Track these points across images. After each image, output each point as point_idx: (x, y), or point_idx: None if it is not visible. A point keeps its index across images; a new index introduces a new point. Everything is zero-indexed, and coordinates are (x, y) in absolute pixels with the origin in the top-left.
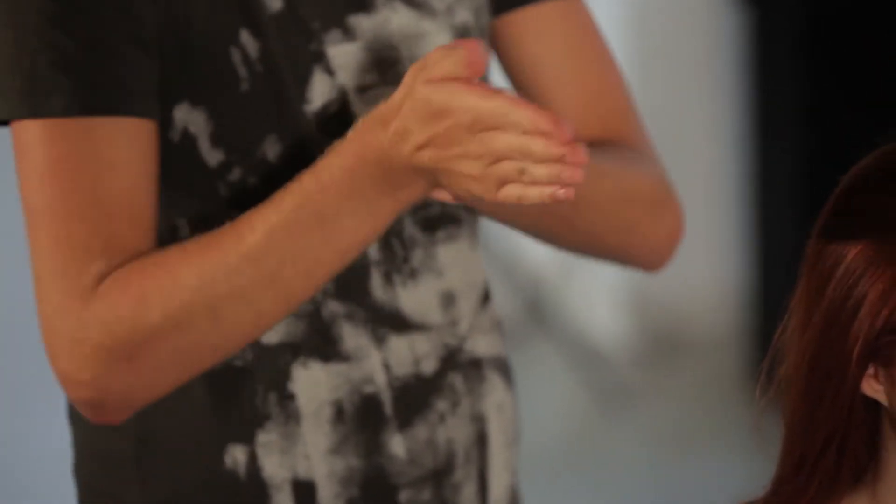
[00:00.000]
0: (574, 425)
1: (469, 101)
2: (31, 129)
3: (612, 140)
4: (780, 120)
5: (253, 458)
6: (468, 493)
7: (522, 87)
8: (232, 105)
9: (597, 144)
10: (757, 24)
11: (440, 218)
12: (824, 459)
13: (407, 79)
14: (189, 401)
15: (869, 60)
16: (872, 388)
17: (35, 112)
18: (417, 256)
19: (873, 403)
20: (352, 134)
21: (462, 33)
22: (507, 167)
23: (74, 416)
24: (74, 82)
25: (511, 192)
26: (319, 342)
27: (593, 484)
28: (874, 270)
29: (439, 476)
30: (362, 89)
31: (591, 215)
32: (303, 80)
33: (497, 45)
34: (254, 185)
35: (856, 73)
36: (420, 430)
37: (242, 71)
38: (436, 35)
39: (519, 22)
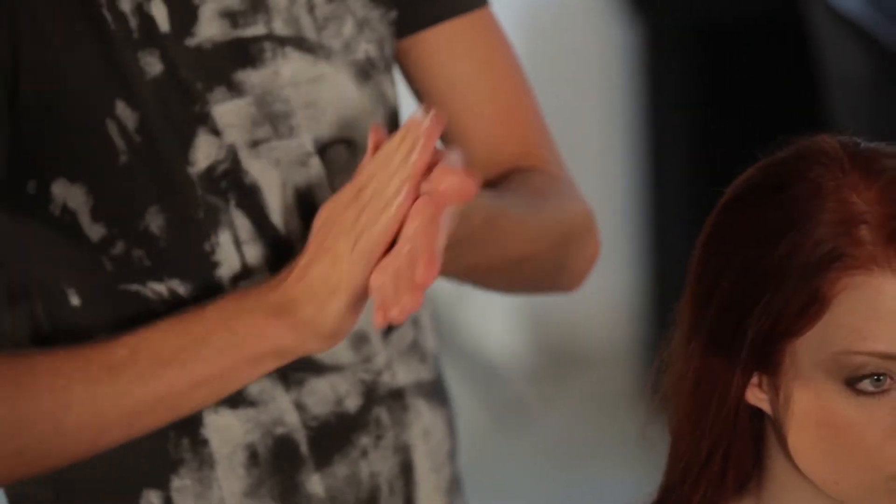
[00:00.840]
0: (470, 440)
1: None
2: None
3: (528, 166)
4: (672, 133)
5: (168, 503)
6: None
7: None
8: (111, 179)
9: (518, 183)
10: (648, 36)
11: None
12: (709, 467)
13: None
14: None
15: (759, 72)
16: (756, 396)
17: None
18: None
19: (757, 412)
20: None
21: (364, 68)
22: (367, 214)
23: None
24: None
25: (363, 245)
26: None
27: (489, 498)
28: (756, 281)
29: None
30: (255, 144)
31: (531, 268)
32: (186, 144)
33: (405, 68)
34: (139, 258)
35: (747, 85)
36: (340, 468)
37: (120, 143)
38: (334, 76)
39: (427, 42)
